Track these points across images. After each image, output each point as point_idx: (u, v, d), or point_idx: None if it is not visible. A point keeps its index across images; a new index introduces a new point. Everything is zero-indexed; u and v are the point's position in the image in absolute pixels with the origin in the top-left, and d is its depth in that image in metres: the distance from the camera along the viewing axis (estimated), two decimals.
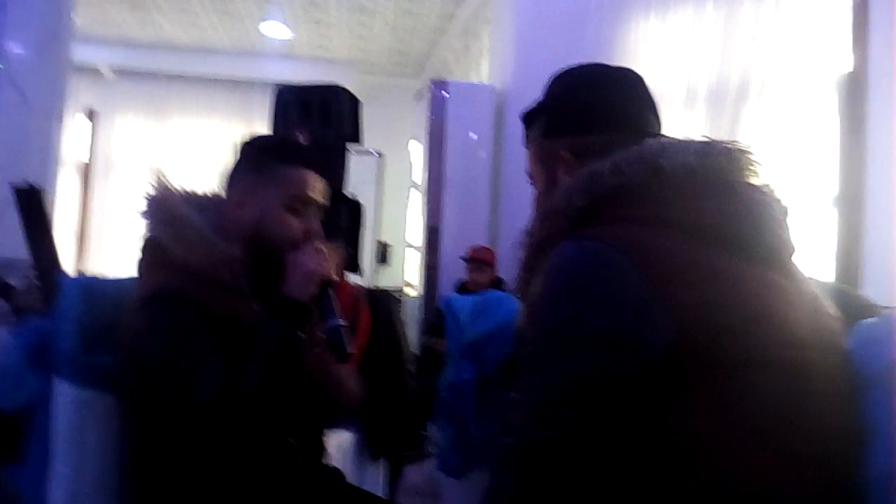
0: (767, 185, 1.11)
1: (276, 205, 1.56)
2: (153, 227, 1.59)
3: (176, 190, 1.64)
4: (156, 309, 1.48)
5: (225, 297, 1.53)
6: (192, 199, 1.65)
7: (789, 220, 1.09)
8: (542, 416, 0.95)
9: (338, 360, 1.59)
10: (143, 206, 1.62)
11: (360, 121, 3.80)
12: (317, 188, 1.60)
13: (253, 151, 1.65)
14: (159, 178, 1.64)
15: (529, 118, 1.28)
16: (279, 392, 1.44)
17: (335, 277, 1.56)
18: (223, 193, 1.65)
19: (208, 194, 1.69)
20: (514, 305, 1.52)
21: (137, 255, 1.63)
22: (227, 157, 1.69)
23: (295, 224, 1.57)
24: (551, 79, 1.28)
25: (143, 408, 1.55)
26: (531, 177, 1.28)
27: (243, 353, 1.44)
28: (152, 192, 1.62)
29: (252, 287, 1.57)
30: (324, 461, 1.80)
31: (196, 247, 1.53)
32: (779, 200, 1.10)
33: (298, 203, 1.58)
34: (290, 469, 1.62)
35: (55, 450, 1.65)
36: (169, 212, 1.58)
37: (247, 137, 1.70)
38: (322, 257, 1.54)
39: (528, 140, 1.28)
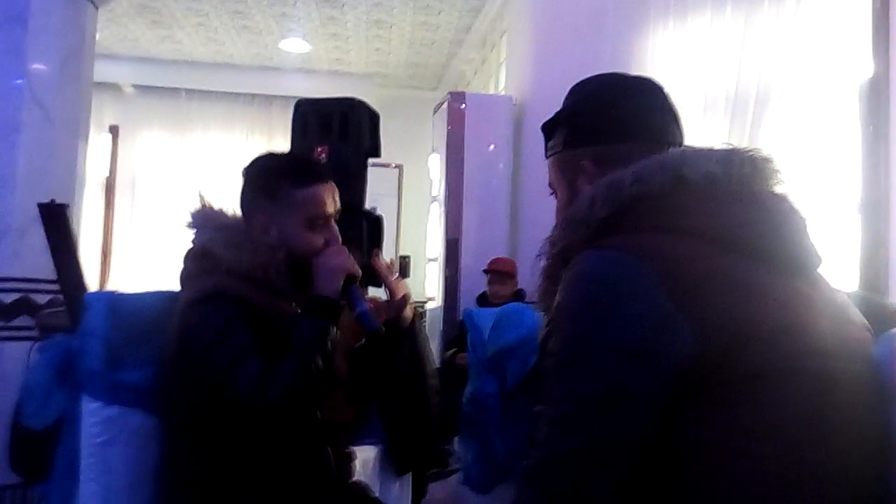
0: (788, 194, 1.10)
1: (297, 226, 1.68)
2: (202, 236, 1.71)
3: (218, 207, 1.76)
4: (206, 306, 1.58)
5: (270, 297, 1.65)
6: (232, 216, 1.77)
7: (810, 230, 1.08)
8: (565, 427, 0.95)
9: (370, 338, 1.76)
10: (190, 218, 1.73)
11: (379, 135, 3.81)
12: (329, 200, 1.72)
13: (263, 175, 1.75)
14: (202, 196, 1.76)
15: (550, 128, 1.27)
16: (315, 384, 1.53)
17: (358, 271, 1.70)
18: (243, 216, 1.75)
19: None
20: (536, 317, 1.52)
21: (182, 265, 1.73)
22: (236, 181, 1.79)
23: (317, 239, 1.69)
24: (572, 89, 1.28)
25: (182, 410, 1.61)
26: (552, 187, 1.28)
27: (283, 351, 1.53)
28: (198, 206, 1.74)
29: (293, 291, 1.70)
30: (351, 477, 1.82)
31: (245, 250, 1.65)
32: (798, 210, 1.09)
33: (317, 220, 1.69)
34: (323, 478, 1.65)
35: (82, 467, 1.66)
36: (219, 220, 1.72)
37: (252, 161, 1.80)
38: (343, 255, 1.68)
39: (549, 150, 1.27)
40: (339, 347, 1.64)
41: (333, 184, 1.74)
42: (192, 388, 1.57)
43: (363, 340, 1.91)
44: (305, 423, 1.60)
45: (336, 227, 1.73)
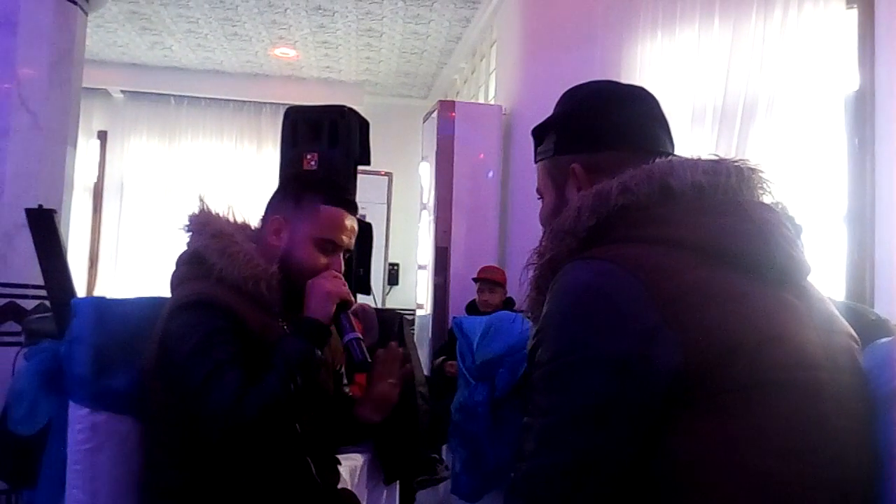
0: (779, 204, 1.10)
1: (307, 239, 1.68)
2: (197, 241, 1.69)
3: (217, 212, 1.74)
4: (192, 313, 1.55)
5: (259, 311, 1.62)
6: (231, 222, 1.75)
7: (803, 239, 1.08)
8: (552, 439, 0.95)
9: (357, 369, 1.71)
10: (187, 221, 1.71)
11: (368, 142, 3.81)
12: (347, 230, 1.72)
13: (298, 183, 1.78)
14: (202, 199, 1.74)
15: (541, 133, 1.26)
16: (293, 404, 1.51)
17: (351, 299, 1.68)
18: (262, 217, 1.76)
19: (245, 220, 1.79)
20: (525, 326, 1.52)
21: (174, 268, 1.71)
22: (270, 184, 1.79)
23: (321, 261, 1.68)
24: (564, 94, 1.26)
25: (163, 416, 1.59)
26: (540, 193, 1.26)
27: (265, 367, 1.51)
28: (196, 210, 1.72)
29: (282, 307, 1.67)
30: (337, 484, 1.81)
31: (239, 260, 1.63)
32: (792, 219, 1.08)
33: (328, 244, 1.69)
34: (307, 486, 1.64)
35: (69, 473, 1.65)
36: (215, 227, 1.69)
37: (294, 171, 1.81)
38: (339, 281, 1.66)
39: (539, 155, 1.26)
40: (327, 365, 1.63)
41: (356, 220, 1.75)
42: (171, 396, 1.55)
43: (341, 368, 1.90)
44: (284, 436, 1.58)
45: (340, 260, 1.72)
